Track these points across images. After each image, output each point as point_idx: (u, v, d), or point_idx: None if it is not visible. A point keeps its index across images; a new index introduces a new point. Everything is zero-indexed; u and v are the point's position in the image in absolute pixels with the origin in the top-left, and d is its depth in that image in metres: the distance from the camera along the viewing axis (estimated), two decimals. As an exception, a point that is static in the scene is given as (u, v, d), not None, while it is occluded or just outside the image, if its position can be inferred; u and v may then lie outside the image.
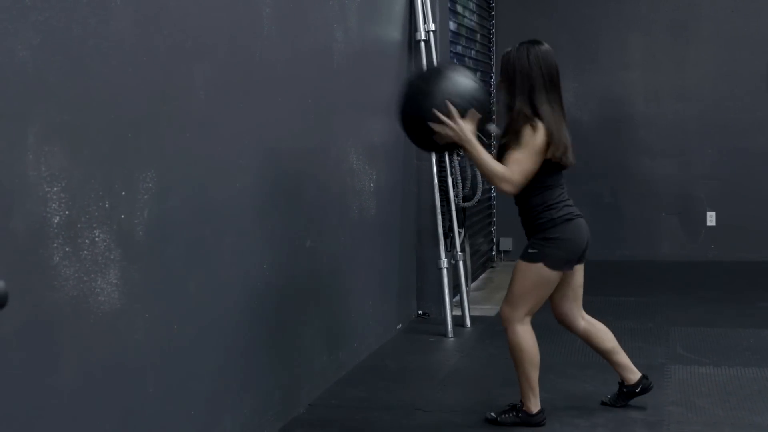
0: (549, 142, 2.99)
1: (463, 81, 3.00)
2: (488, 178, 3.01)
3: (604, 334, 3.31)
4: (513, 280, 3.13)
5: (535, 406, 3.19)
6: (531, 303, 3.11)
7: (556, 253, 3.06)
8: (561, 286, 3.19)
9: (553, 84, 3.04)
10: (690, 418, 3.31)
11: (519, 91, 3.03)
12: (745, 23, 6.64)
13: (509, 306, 3.13)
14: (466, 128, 2.93)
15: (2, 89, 1.91)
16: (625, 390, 3.36)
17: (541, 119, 2.99)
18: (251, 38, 3.02)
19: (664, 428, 3.20)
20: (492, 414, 3.24)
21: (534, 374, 3.16)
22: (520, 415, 3.20)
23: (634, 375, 3.35)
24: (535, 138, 2.97)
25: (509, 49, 3.12)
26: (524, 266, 3.09)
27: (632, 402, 3.38)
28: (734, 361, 4.02)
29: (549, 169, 3.05)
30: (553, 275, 3.08)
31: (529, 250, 3.09)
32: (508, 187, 2.99)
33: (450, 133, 2.92)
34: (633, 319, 4.86)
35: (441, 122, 2.92)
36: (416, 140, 3.12)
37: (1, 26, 1.89)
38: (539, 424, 3.19)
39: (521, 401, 3.21)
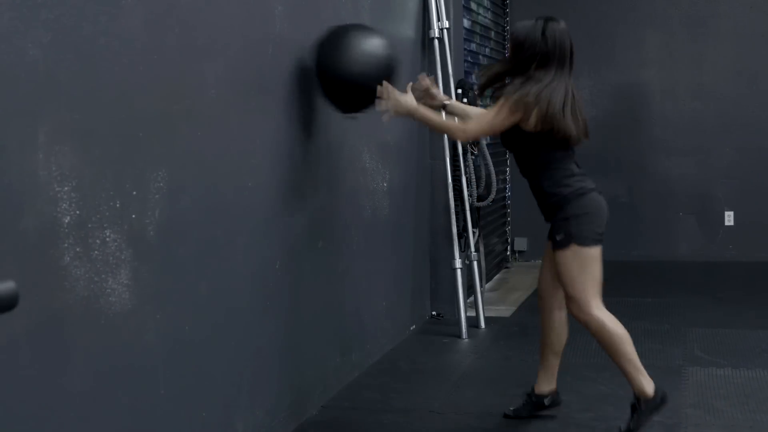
0: (525, 113, 2.92)
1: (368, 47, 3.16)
2: (442, 131, 3.20)
3: (562, 337, 3.22)
4: (561, 275, 3.01)
5: (649, 385, 3.00)
6: (589, 285, 2.96)
7: (581, 229, 2.96)
8: (552, 267, 3.09)
9: (562, 62, 2.98)
10: (708, 420, 3.26)
11: (524, 62, 2.98)
12: (764, 20, 6.56)
13: (574, 301, 2.99)
14: (407, 99, 3.05)
15: (13, 88, 1.90)
16: (534, 399, 3.26)
17: (532, 91, 2.91)
18: (263, 36, 3.00)
19: (681, 431, 3.16)
20: (621, 427, 3.03)
21: (633, 354, 3.00)
22: (643, 407, 3.00)
23: (550, 385, 3.25)
24: (509, 100, 2.93)
25: (524, 21, 3.08)
26: (561, 256, 2.98)
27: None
28: (753, 362, 3.97)
29: (554, 144, 2.97)
30: (589, 251, 2.96)
31: (556, 238, 2.99)
32: (460, 134, 3.08)
33: (394, 109, 3.06)
34: (650, 320, 4.81)
35: (382, 102, 3.06)
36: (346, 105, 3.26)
37: (11, 24, 1.88)
38: (663, 400, 3.01)
39: (635, 395, 3.01)
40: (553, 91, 2.94)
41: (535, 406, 3.29)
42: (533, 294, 5.60)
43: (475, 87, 3.22)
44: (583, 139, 3.03)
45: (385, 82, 3.07)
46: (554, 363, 3.26)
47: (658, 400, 3.02)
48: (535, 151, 3.00)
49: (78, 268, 2.08)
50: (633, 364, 3.01)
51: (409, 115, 3.09)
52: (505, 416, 3.30)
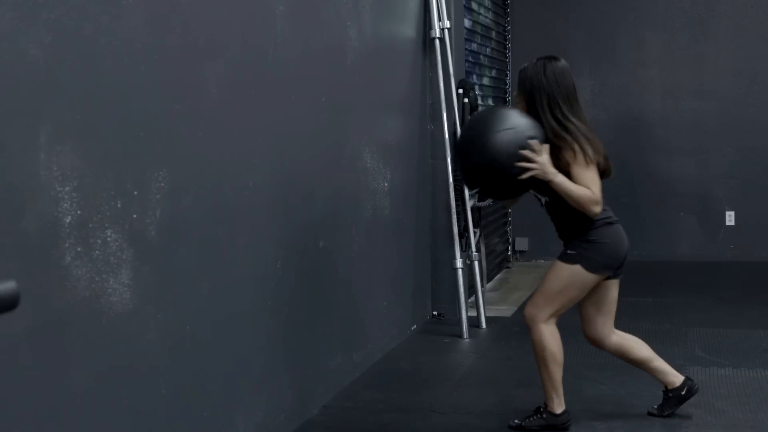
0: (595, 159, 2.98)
1: (510, 115, 3.01)
2: (579, 203, 2.96)
3: (636, 344, 3.22)
4: (546, 279, 3.08)
5: (559, 406, 3.13)
6: (559, 304, 3.04)
7: (596, 256, 3.01)
8: (595, 298, 3.12)
9: (570, 100, 3.01)
10: (709, 420, 3.26)
11: (540, 108, 3.00)
12: (765, 19, 6.55)
13: (535, 306, 3.08)
14: (547, 161, 2.94)
15: (14, 88, 1.90)
16: (670, 395, 3.25)
17: (570, 134, 2.96)
18: (264, 36, 3.00)
19: (682, 430, 3.16)
20: (516, 421, 3.17)
21: (558, 374, 3.10)
22: (544, 416, 3.15)
23: (676, 379, 3.24)
24: (585, 153, 2.95)
25: (526, 65, 3.11)
26: (560, 266, 3.04)
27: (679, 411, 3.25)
28: (754, 362, 3.96)
29: None
30: (589, 278, 3.02)
31: (568, 252, 3.04)
32: (597, 208, 2.97)
33: (537, 170, 2.92)
34: (651, 320, 4.80)
35: (526, 163, 2.92)
36: (495, 191, 3.14)
37: (12, 25, 1.88)
38: (564, 425, 3.15)
39: (545, 403, 3.16)
40: (589, 130, 3.00)
41: (675, 401, 3.24)
42: (534, 294, 5.60)
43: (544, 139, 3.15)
44: (612, 172, 3.09)
45: (535, 143, 2.92)
46: (657, 364, 3.22)
47: (558, 420, 3.14)
48: None
49: (79, 268, 2.08)
50: (554, 384, 3.12)
51: (549, 179, 2.95)
52: (649, 414, 3.25)
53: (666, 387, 3.26)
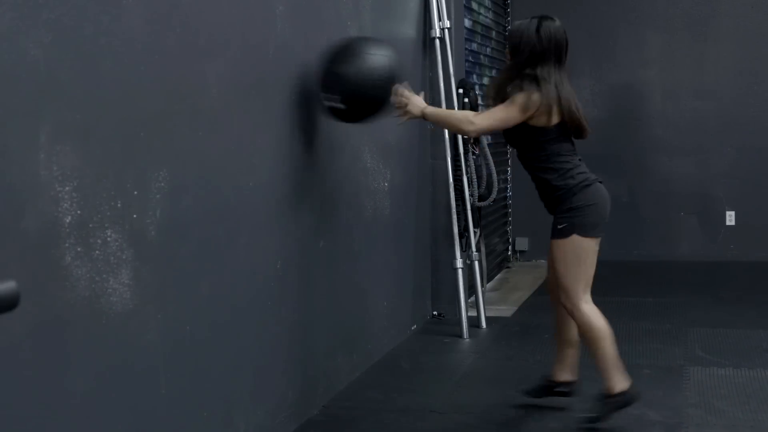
0: (541, 110, 2.99)
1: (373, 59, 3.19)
2: (451, 126, 3.22)
3: (575, 327, 3.23)
4: (555, 263, 3.08)
5: (620, 383, 3.07)
6: (583, 278, 3.04)
7: (585, 220, 3.03)
8: None
9: (559, 58, 3.05)
10: (709, 420, 3.26)
11: (524, 62, 3.04)
12: (765, 19, 6.55)
13: (564, 291, 3.07)
14: (417, 101, 3.17)
15: (14, 88, 1.90)
16: (546, 384, 3.31)
17: (538, 88, 2.99)
18: (264, 36, 3.00)
19: (683, 431, 3.16)
20: (588, 414, 3.10)
21: (611, 349, 3.07)
22: (611, 400, 3.07)
23: (569, 375, 3.29)
24: (521, 96, 3.00)
25: (520, 21, 3.15)
26: (560, 244, 3.05)
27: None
28: (754, 362, 3.96)
29: (560, 138, 3.05)
30: (589, 243, 3.04)
31: (558, 227, 3.06)
32: (468, 126, 3.11)
33: (408, 110, 3.16)
34: (651, 319, 4.80)
35: (397, 106, 3.17)
36: (358, 115, 3.29)
37: (12, 24, 1.88)
38: (634, 399, 3.08)
39: (605, 388, 3.07)
40: (560, 86, 3.02)
41: (547, 390, 3.33)
42: (534, 294, 5.60)
43: (485, 99, 3.27)
44: (584, 131, 3.11)
45: (399, 87, 3.15)
46: (571, 354, 3.29)
47: (623, 400, 3.08)
48: (541, 145, 3.07)
49: (79, 268, 2.08)
50: (611, 361, 3.08)
51: (422, 116, 3.19)
52: (520, 402, 3.35)
53: (551, 377, 3.31)
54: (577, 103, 3.07)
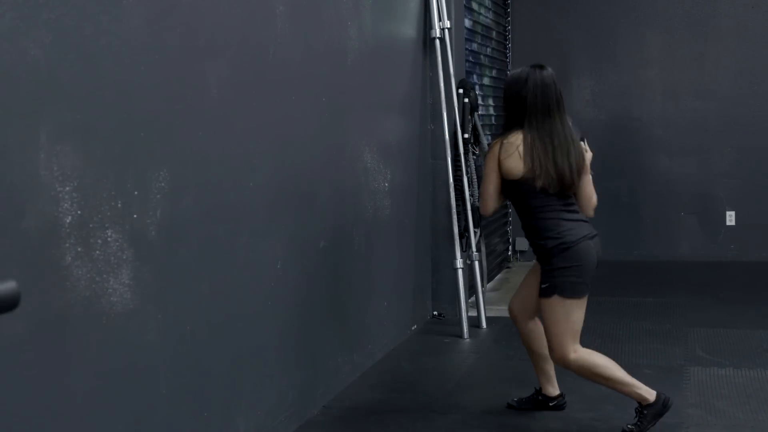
0: (502, 163, 2.98)
1: None
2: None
3: (543, 339, 3.21)
4: (544, 320, 3.07)
5: (649, 394, 3.05)
6: (570, 332, 3.01)
7: (564, 281, 2.98)
8: (534, 284, 3.15)
9: (547, 111, 2.98)
10: (709, 420, 3.26)
11: (508, 114, 3.06)
12: (765, 19, 6.55)
13: (555, 348, 3.04)
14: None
15: (14, 88, 1.90)
16: (540, 398, 3.35)
17: (506, 140, 2.99)
18: (264, 36, 3.00)
19: (683, 431, 3.15)
20: (629, 426, 3.07)
21: (620, 373, 3.04)
22: (645, 413, 3.05)
23: (554, 389, 3.34)
24: (488, 158, 3.03)
25: (512, 71, 3.14)
26: (546, 303, 3.03)
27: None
28: (755, 362, 3.96)
29: (535, 191, 2.98)
30: (573, 302, 2.99)
31: (542, 286, 3.03)
32: (482, 210, 3.12)
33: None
34: (651, 320, 4.80)
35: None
36: None
37: (12, 25, 1.88)
38: (666, 405, 3.05)
39: (638, 404, 3.06)
40: (539, 138, 2.96)
41: (539, 404, 3.37)
42: (534, 294, 5.59)
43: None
44: (567, 185, 2.99)
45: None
46: (548, 367, 3.32)
47: (660, 406, 3.06)
48: (520, 199, 3.04)
49: (79, 268, 2.08)
50: (626, 383, 3.05)
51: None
52: (508, 406, 3.40)
53: (541, 389, 3.34)
54: (553, 155, 2.95)
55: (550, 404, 3.35)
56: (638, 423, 3.06)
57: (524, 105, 2.99)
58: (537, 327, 3.26)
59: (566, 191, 3.00)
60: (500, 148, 2.99)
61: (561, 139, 2.98)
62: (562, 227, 2.99)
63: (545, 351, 3.23)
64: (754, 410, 3.35)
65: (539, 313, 3.17)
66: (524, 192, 3.00)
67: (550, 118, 2.99)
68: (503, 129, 3.10)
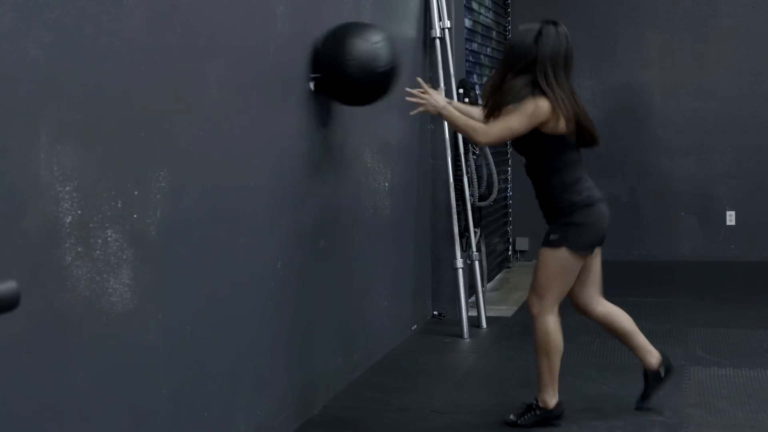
0: (550, 116, 2.98)
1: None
2: (466, 133, 3.20)
3: (622, 316, 3.25)
4: (538, 268, 3.11)
5: (553, 398, 3.15)
6: (558, 290, 3.08)
7: (579, 237, 3.04)
8: (581, 272, 3.14)
9: (560, 66, 3.00)
10: (709, 420, 3.26)
11: (519, 67, 3.01)
12: (765, 19, 6.55)
13: (537, 296, 3.10)
14: (439, 99, 3.20)
15: (14, 88, 1.90)
16: (648, 378, 3.29)
17: (545, 95, 2.98)
18: (265, 36, 3.00)
19: (683, 431, 3.15)
20: (511, 417, 3.19)
21: (558, 365, 3.13)
22: (538, 412, 3.16)
23: (654, 359, 3.28)
24: (529, 104, 2.97)
25: (526, 25, 3.12)
26: (548, 253, 3.07)
27: (653, 405, 3.30)
28: (755, 362, 3.96)
29: (564, 147, 3.04)
30: (576, 260, 3.06)
31: (551, 237, 3.07)
32: (482, 138, 3.10)
33: (427, 105, 3.19)
34: (651, 319, 4.79)
35: (416, 98, 3.22)
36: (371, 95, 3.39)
37: (12, 24, 1.88)
38: (560, 417, 3.15)
39: (536, 398, 3.16)
40: (565, 92, 3.00)
41: (654, 381, 3.28)
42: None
43: (482, 105, 3.22)
44: (596, 138, 3.11)
45: (420, 80, 3.27)
46: (638, 339, 3.26)
47: (551, 414, 3.15)
48: (550, 154, 3.05)
49: (79, 268, 2.08)
50: (553, 375, 3.13)
51: (438, 113, 3.21)
52: (637, 409, 3.31)
53: (644, 368, 3.29)
54: (585, 111, 3.07)
55: (661, 373, 3.25)
56: (523, 416, 3.15)
57: (533, 59, 2.98)
58: (610, 308, 3.23)
59: (594, 144, 3.09)
60: (549, 107, 2.95)
61: (576, 95, 3.05)
62: (586, 183, 3.08)
63: (630, 325, 3.23)
64: (754, 410, 3.35)
65: (600, 290, 3.19)
66: (559, 146, 3.02)
67: (562, 73, 3.02)
68: (502, 78, 3.06)
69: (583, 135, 3.06)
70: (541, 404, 3.16)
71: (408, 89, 3.27)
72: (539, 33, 3.02)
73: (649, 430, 3.16)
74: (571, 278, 3.09)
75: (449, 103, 3.39)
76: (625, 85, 6.78)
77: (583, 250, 3.06)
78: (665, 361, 3.30)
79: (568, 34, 3.06)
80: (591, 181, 3.11)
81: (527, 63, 3.00)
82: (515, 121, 2.99)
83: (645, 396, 3.31)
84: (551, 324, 3.09)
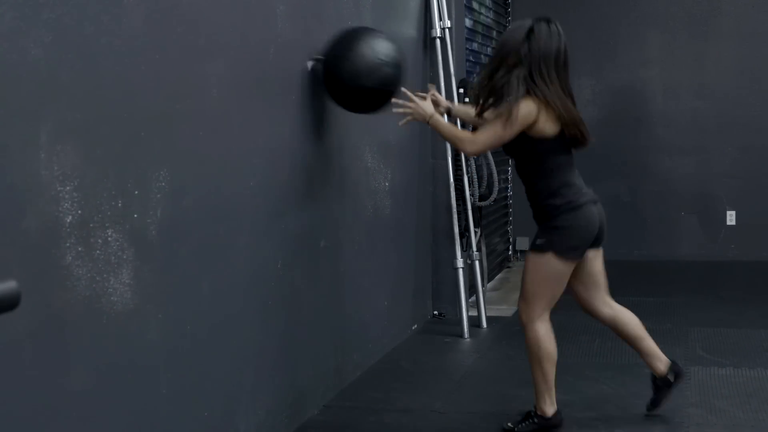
0: (537, 117, 2.92)
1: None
2: (452, 143, 3.22)
3: (631, 320, 3.21)
4: (525, 275, 3.07)
5: (551, 407, 3.12)
6: (547, 297, 3.03)
7: (564, 241, 2.98)
8: (578, 275, 3.11)
9: (552, 63, 2.93)
10: (710, 420, 3.26)
11: (509, 64, 2.94)
12: (766, 18, 6.55)
13: (525, 303, 3.06)
14: (426, 106, 3.18)
15: (15, 88, 1.90)
16: (658, 383, 3.24)
17: (533, 94, 2.92)
18: (265, 36, 3.00)
19: (683, 430, 3.16)
20: (509, 424, 3.16)
21: (552, 373, 3.09)
22: (536, 420, 3.13)
23: (661, 363, 3.22)
24: (515, 108, 2.90)
25: (518, 22, 3.05)
26: (534, 258, 3.03)
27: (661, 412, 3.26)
28: (755, 362, 3.96)
29: (551, 150, 2.98)
30: (563, 265, 3.00)
31: (537, 241, 3.04)
32: (469, 147, 3.08)
33: (414, 115, 3.19)
34: (652, 319, 4.77)
35: (402, 107, 3.21)
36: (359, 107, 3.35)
37: (13, 24, 1.88)
38: (558, 426, 3.14)
39: (535, 406, 3.14)
40: (557, 92, 2.94)
41: (664, 387, 3.24)
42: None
43: (473, 105, 3.19)
44: (586, 140, 3.04)
45: (405, 89, 3.22)
46: (646, 344, 3.22)
47: (549, 423, 3.13)
48: (537, 158, 3.01)
49: (80, 268, 2.08)
50: (547, 384, 3.09)
51: (425, 122, 3.21)
52: (648, 412, 3.24)
53: (653, 374, 3.25)
54: (577, 110, 2.99)
55: (671, 378, 3.20)
56: (521, 424, 3.12)
57: (523, 57, 2.91)
58: (617, 311, 3.19)
59: (583, 146, 3.03)
60: (535, 108, 2.89)
61: (569, 94, 2.99)
62: (573, 187, 3.01)
63: (638, 330, 3.20)
64: (755, 410, 3.35)
65: (606, 291, 3.15)
66: (547, 149, 2.97)
67: (562, 71, 2.96)
68: (488, 77, 3.01)
69: (574, 134, 2.98)
70: (539, 413, 3.13)
71: (394, 100, 3.24)
72: (531, 30, 2.95)
73: (649, 430, 3.15)
74: (560, 284, 3.03)
75: (451, 105, 3.38)
76: (626, 84, 6.78)
77: (569, 254, 2.99)
78: (674, 366, 3.24)
79: (561, 31, 2.99)
80: (581, 183, 3.05)
81: (517, 60, 2.93)
82: (501, 126, 2.93)
83: (655, 402, 3.26)
84: (541, 331, 3.04)
